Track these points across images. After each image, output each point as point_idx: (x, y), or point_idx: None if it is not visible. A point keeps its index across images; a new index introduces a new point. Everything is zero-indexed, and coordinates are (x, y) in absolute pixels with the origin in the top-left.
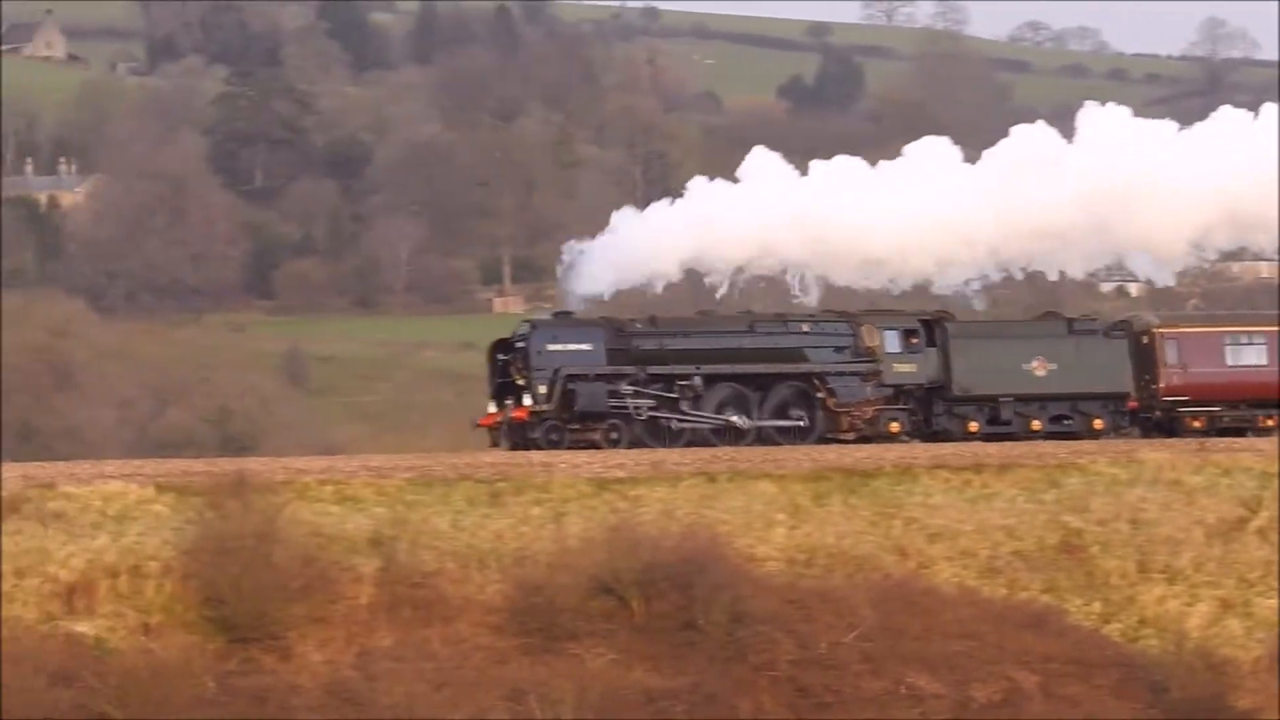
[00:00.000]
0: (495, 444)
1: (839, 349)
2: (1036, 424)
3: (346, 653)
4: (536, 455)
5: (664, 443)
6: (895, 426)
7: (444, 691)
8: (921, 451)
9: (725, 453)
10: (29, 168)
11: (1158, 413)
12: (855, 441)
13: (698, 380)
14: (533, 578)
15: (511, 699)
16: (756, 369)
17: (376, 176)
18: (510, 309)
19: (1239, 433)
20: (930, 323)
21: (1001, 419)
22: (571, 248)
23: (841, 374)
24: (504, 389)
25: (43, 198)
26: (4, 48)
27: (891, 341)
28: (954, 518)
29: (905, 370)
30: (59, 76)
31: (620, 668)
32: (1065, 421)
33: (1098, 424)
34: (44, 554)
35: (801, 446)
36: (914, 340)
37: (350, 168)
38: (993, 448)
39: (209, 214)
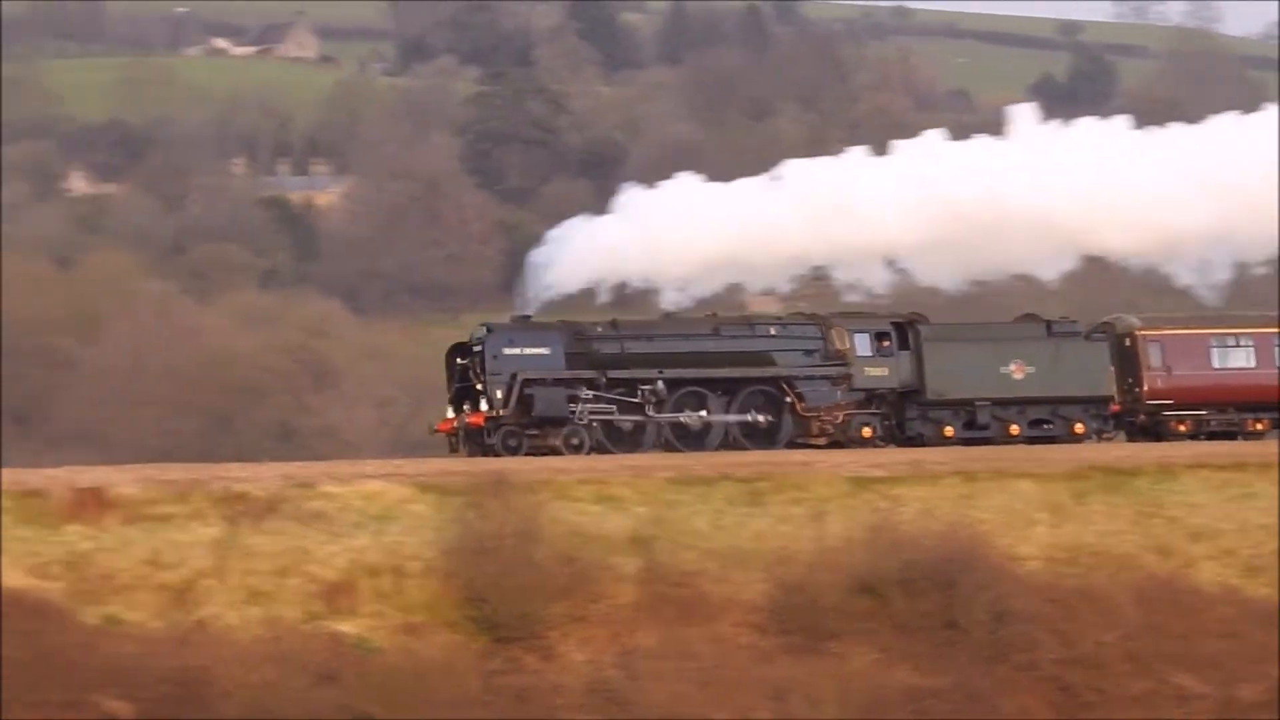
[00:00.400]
0: (454, 449)
1: (808, 352)
2: (1015, 428)
3: (608, 652)
4: (796, 455)
5: (625, 448)
6: (867, 431)
7: (706, 691)
8: (1182, 450)
9: (985, 452)
10: (284, 168)
11: (1142, 416)
12: (826, 447)
13: (660, 385)
14: (794, 577)
15: (774, 698)
16: (721, 373)
17: (629, 176)
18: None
19: (1229, 436)
20: (903, 325)
21: (978, 423)
22: (542, 248)
23: (811, 378)
24: (463, 394)
25: (297, 198)
26: (257, 48)
27: (862, 344)
28: (1215, 516)
29: (877, 374)
30: (311, 77)
31: (882, 667)
32: (1045, 426)
33: (1079, 428)
34: (305, 554)
35: (1049, 447)
36: (885, 343)
37: (603, 168)
38: (1250, 447)
39: (463, 214)
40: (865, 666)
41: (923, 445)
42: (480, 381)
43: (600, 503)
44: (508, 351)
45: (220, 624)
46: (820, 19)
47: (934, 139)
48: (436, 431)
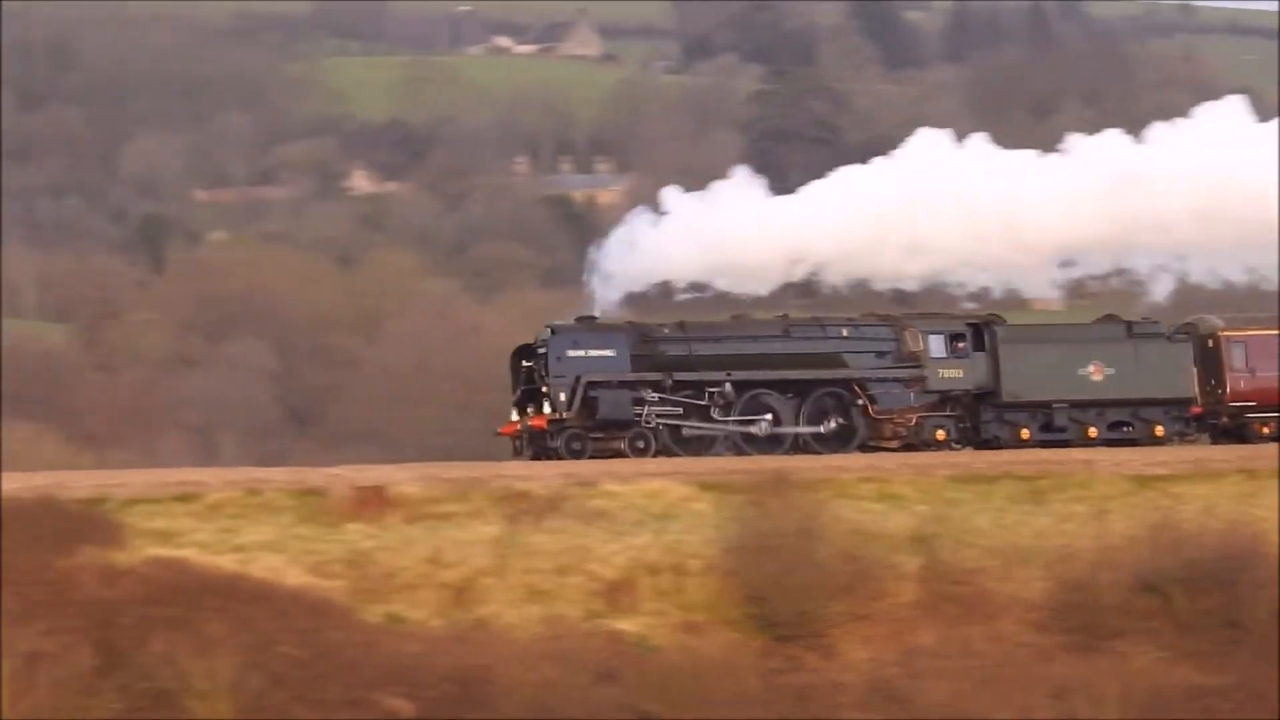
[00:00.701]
0: (518, 453)
1: (880, 354)
2: (1093, 431)
3: (889, 651)
4: (1077, 453)
5: (692, 451)
6: (941, 434)
7: (987, 690)
8: None
9: (1268, 450)
10: (566, 167)
11: (1224, 419)
12: (900, 450)
13: (728, 387)
14: (1075, 575)
15: (1055, 697)
16: (791, 375)
17: None
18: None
19: None
20: (978, 326)
21: (1056, 426)
22: (607, 245)
23: (883, 380)
24: (528, 396)
25: (579, 196)
26: (539, 47)
27: (936, 346)
28: None
29: (951, 376)
30: (593, 75)
31: (1164, 665)
32: (1125, 428)
33: (1159, 431)
34: (586, 552)
35: None
36: (960, 345)
37: None
38: None
39: None
40: (1147, 665)
41: (998, 448)
42: (544, 384)
43: (881, 501)
44: (571, 353)
45: (500, 622)
46: (1104, 17)
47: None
48: (500, 435)
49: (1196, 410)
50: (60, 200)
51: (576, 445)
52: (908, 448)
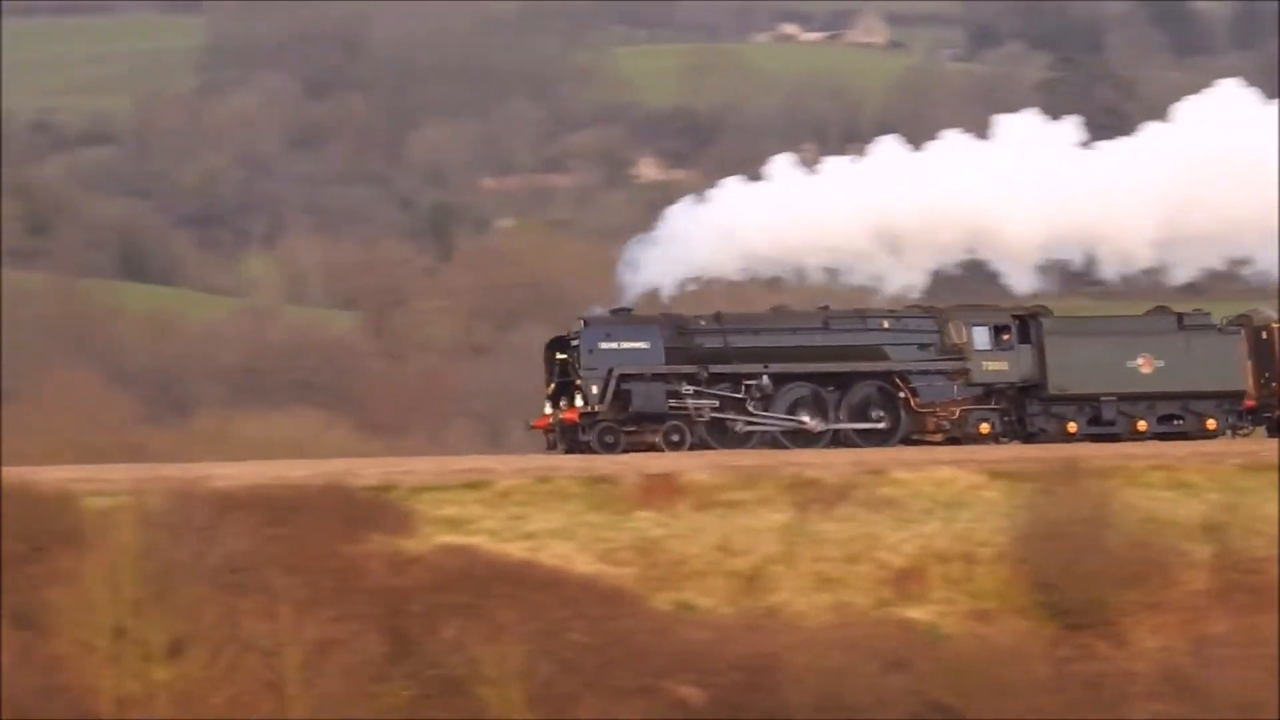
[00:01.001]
0: (551, 447)
1: (923, 346)
2: (1142, 424)
3: (1180, 639)
4: None
5: (730, 444)
6: (985, 427)
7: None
8: None
9: None
10: (852, 153)
11: (1278, 412)
12: (943, 444)
13: (766, 380)
14: None
15: None
16: (831, 368)
17: None
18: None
19: None
20: (1024, 318)
21: (1104, 419)
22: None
23: (925, 372)
24: (562, 389)
25: None
26: (826, 34)
27: (981, 338)
28: None
29: (996, 368)
30: (879, 63)
31: None
32: (1175, 422)
33: (1211, 424)
34: (875, 540)
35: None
36: (1005, 337)
37: None
38: None
39: None
40: None
41: (1045, 441)
42: (577, 376)
43: (1172, 489)
44: (604, 346)
45: (790, 610)
46: None
47: None
48: (533, 428)
49: (1250, 403)
50: (348, 188)
51: (609, 439)
52: (951, 441)
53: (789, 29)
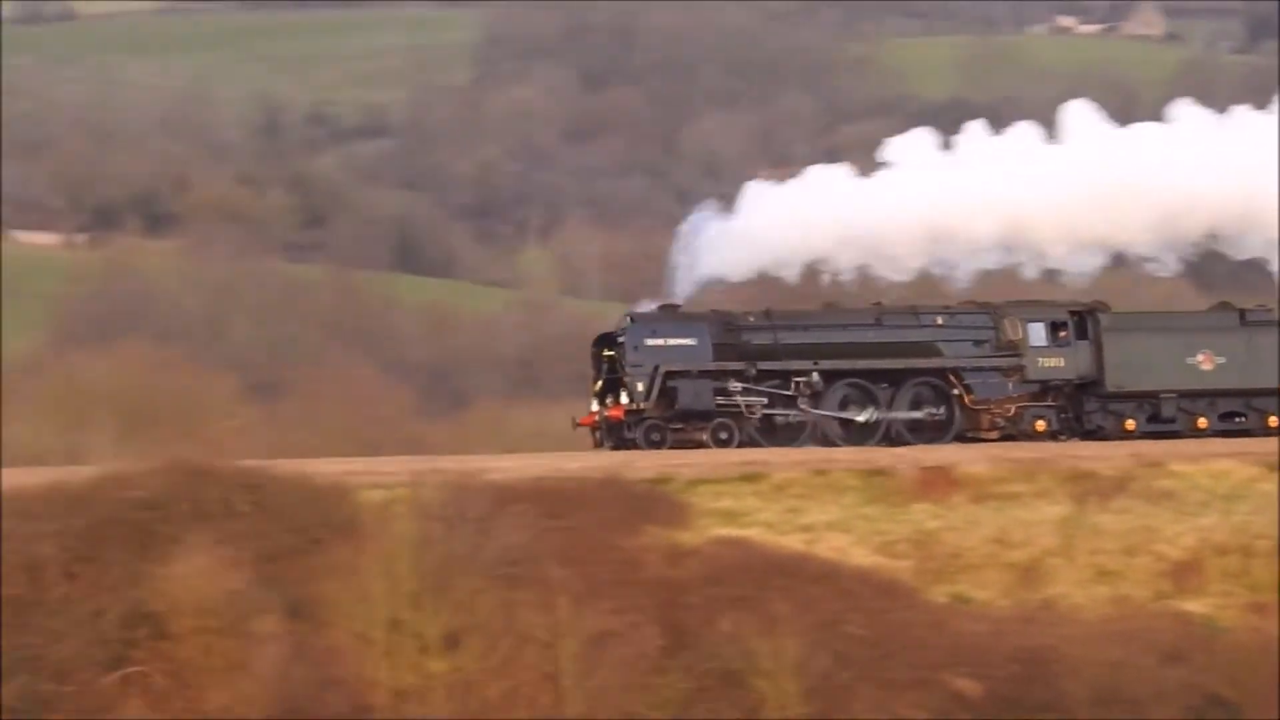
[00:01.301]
0: (598, 444)
1: (978, 343)
2: (1203, 422)
3: None
4: None
5: (780, 442)
6: (1041, 425)
7: None
8: None
9: None
10: None
11: None
12: (1000, 440)
13: (816, 377)
14: None
15: None
16: (883, 364)
17: None
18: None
19: None
20: (1082, 314)
21: (1163, 416)
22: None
23: (980, 369)
24: (610, 386)
25: None
26: (1103, 26)
27: (1037, 334)
28: None
29: (1052, 365)
30: (1156, 54)
31: None
32: (1237, 419)
33: (1274, 421)
34: (1153, 532)
35: None
36: (1063, 333)
37: None
38: None
39: None
40: None
41: (1103, 439)
42: (623, 373)
43: None
44: (650, 342)
45: (1067, 603)
46: None
47: None
48: (580, 425)
49: None
50: (624, 180)
51: (655, 436)
52: (1007, 438)
53: (1066, 21)
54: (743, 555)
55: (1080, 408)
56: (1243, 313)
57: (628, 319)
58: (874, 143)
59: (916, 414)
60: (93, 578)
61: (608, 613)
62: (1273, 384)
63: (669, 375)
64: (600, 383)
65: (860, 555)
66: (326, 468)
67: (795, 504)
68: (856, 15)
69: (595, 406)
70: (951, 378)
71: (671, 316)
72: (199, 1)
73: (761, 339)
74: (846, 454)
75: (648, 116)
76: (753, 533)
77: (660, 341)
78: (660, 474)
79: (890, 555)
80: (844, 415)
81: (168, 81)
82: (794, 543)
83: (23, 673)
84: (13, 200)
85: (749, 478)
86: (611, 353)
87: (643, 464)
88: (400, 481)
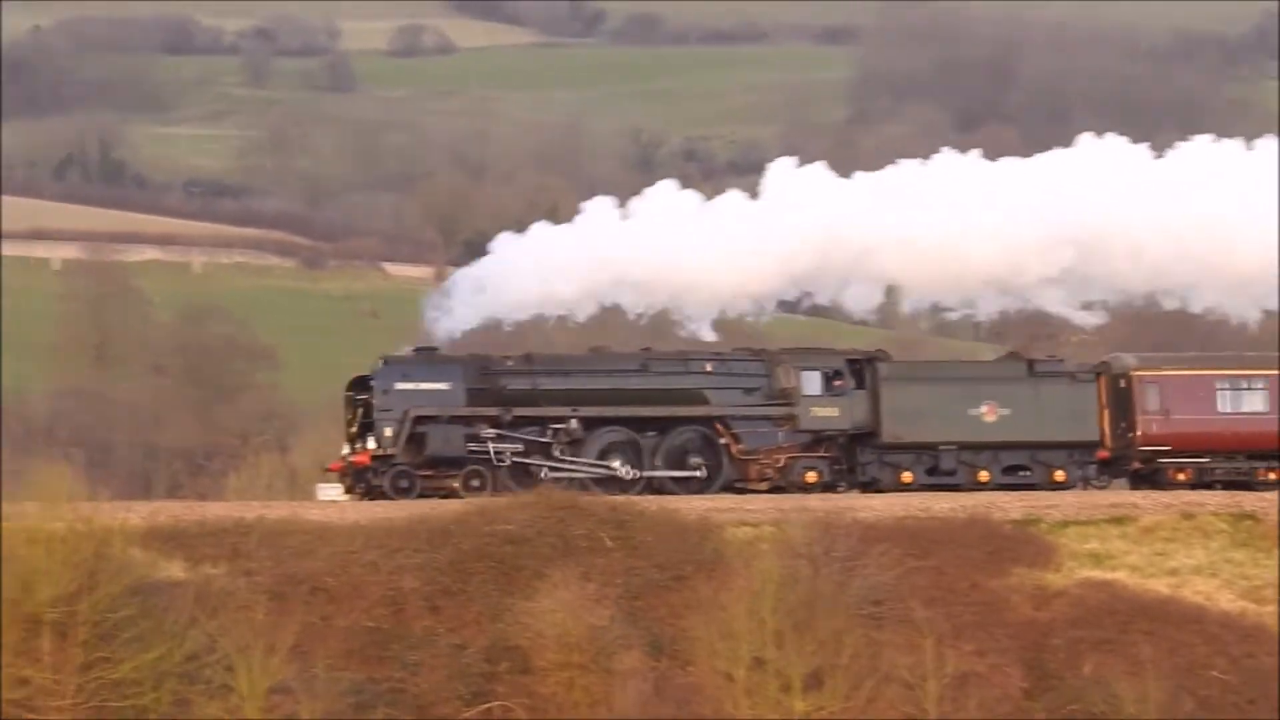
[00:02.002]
0: (349, 490)
1: (749, 390)
2: (984, 475)
3: None
4: None
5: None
6: (812, 476)
7: None
8: None
9: None
10: None
11: (1136, 464)
12: (768, 492)
13: (574, 424)
14: None
15: None
16: (646, 412)
17: None
18: None
19: (1244, 486)
20: (860, 362)
21: (942, 468)
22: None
23: (749, 418)
24: (366, 430)
25: None
26: None
27: (811, 382)
28: None
29: (826, 414)
30: None
31: None
32: (1022, 473)
33: (1059, 475)
34: None
35: None
36: (838, 382)
37: None
38: None
39: None
40: None
41: (878, 491)
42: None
43: None
44: (400, 386)
45: None
46: None
47: None
48: (329, 471)
49: (1104, 454)
50: None
51: (403, 484)
52: (776, 490)
53: None
54: (1109, 598)
55: (855, 459)
56: (1031, 363)
57: (380, 362)
58: None
59: (677, 473)
60: (456, 611)
61: (971, 654)
62: (1058, 437)
63: (419, 420)
64: (355, 428)
65: (1226, 600)
66: (695, 504)
67: (1163, 547)
68: (1233, 56)
69: (345, 450)
70: (719, 426)
71: (425, 360)
72: (576, 38)
73: (519, 384)
74: (1216, 498)
75: (1024, 155)
76: (1119, 575)
77: (411, 385)
78: (1027, 515)
79: (1256, 600)
80: (598, 469)
81: (543, 115)
82: (1160, 586)
83: (382, 705)
84: (386, 232)
85: (1117, 520)
86: (363, 396)
87: (1009, 505)
88: (767, 519)
